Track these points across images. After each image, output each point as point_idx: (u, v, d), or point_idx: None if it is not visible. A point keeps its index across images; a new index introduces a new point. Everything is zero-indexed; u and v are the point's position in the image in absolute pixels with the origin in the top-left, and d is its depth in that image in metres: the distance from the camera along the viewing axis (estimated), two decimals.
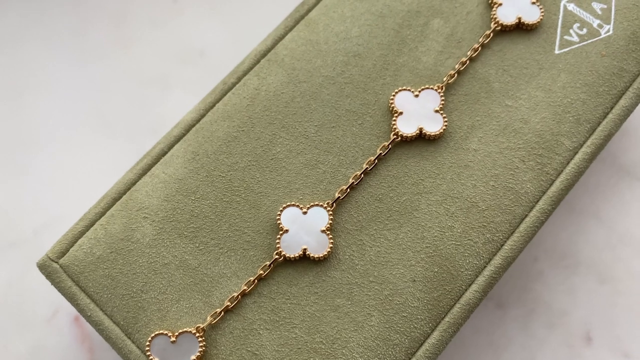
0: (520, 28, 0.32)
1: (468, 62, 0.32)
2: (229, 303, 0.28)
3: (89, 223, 0.30)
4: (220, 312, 0.28)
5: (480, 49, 0.32)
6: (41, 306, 0.40)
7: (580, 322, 0.39)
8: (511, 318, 0.39)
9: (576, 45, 0.32)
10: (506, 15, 0.32)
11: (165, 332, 0.28)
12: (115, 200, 0.31)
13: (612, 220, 0.41)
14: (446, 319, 0.28)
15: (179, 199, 0.30)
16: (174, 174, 0.31)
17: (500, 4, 0.32)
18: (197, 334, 0.28)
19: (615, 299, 0.40)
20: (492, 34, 0.32)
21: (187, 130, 0.32)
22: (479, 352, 0.38)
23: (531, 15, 0.32)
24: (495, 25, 0.32)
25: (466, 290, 0.29)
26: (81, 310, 0.29)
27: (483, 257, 0.29)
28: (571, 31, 0.32)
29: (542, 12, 0.32)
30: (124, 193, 0.31)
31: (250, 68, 0.33)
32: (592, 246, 0.41)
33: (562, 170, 0.30)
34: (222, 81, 0.33)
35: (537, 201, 0.30)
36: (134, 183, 0.31)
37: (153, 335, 0.28)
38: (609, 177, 0.42)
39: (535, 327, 0.39)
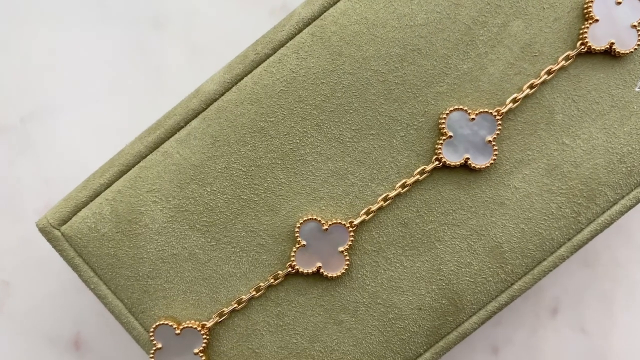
0: (607, 53, 0.28)
1: (538, 86, 0.28)
2: (236, 305, 0.28)
3: (93, 194, 0.28)
4: (227, 313, 0.28)
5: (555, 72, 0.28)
6: (32, 199, 0.39)
7: (552, 297, 0.42)
8: None
9: None
10: (598, 37, 0.27)
11: (171, 323, 0.28)
12: (122, 172, 0.28)
13: None
14: (440, 343, 0.30)
15: (194, 189, 0.28)
16: (190, 157, 0.28)
17: (597, 20, 0.27)
18: (202, 331, 0.28)
19: (592, 282, 0.42)
20: (574, 57, 0.27)
21: (208, 104, 0.28)
22: None
23: (626, 42, 0.27)
24: (582, 46, 0.27)
25: (466, 321, 0.30)
26: (84, 280, 0.28)
27: (491, 294, 0.29)
28: None
29: (639, 40, 0.27)
30: (132, 166, 0.28)
31: (289, 38, 0.28)
32: None
33: (593, 220, 0.29)
34: (253, 49, 0.28)
35: (559, 247, 0.29)
36: (143, 157, 0.28)
37: (158, 323, 0.28)
38: None
39: None
